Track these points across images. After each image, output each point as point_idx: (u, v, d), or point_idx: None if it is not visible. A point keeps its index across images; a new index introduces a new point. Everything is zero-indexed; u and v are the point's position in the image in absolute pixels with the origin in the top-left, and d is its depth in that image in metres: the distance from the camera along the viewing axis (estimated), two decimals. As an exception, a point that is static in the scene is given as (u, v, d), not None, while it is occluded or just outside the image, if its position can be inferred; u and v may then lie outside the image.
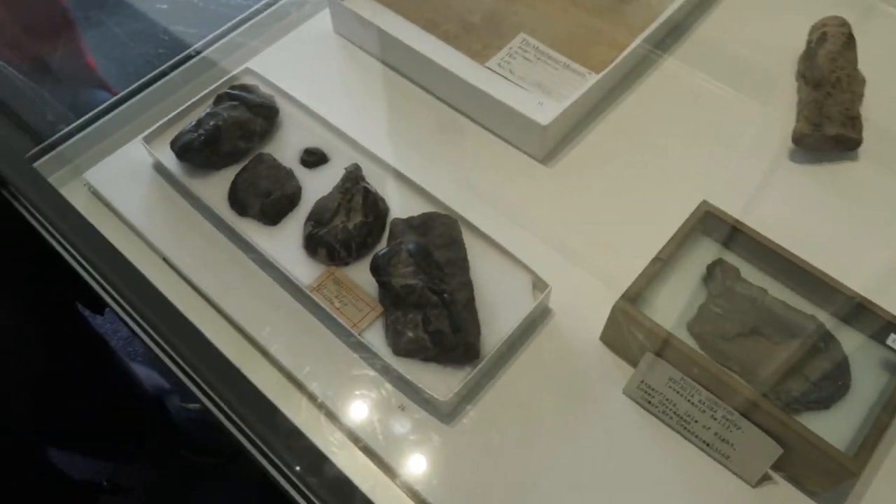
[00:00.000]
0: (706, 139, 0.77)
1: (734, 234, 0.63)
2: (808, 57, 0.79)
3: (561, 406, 0.60)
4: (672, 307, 0.61)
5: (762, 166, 0.75)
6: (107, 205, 0.72)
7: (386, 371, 0.61)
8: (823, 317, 0.61)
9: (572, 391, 0.61)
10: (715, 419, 0.56)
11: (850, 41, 0.77)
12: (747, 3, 0.90)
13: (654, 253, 0.62)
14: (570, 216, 0.71)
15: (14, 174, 0.72)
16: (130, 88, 0.78)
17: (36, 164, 0.74)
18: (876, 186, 0.73)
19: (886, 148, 0.75)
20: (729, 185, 0.73)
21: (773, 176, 0.74)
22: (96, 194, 0.73)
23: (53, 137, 0.75)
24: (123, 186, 0.73)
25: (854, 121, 0.73)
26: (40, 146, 0.74)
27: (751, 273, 0.63)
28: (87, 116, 0.76)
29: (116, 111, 0.77)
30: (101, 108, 0.77)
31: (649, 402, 0.59)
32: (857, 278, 0.61)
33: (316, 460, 0.56)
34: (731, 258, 0.64)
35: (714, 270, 0.63)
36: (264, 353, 0.63)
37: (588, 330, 0.64)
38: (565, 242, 0.69)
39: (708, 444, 0.57)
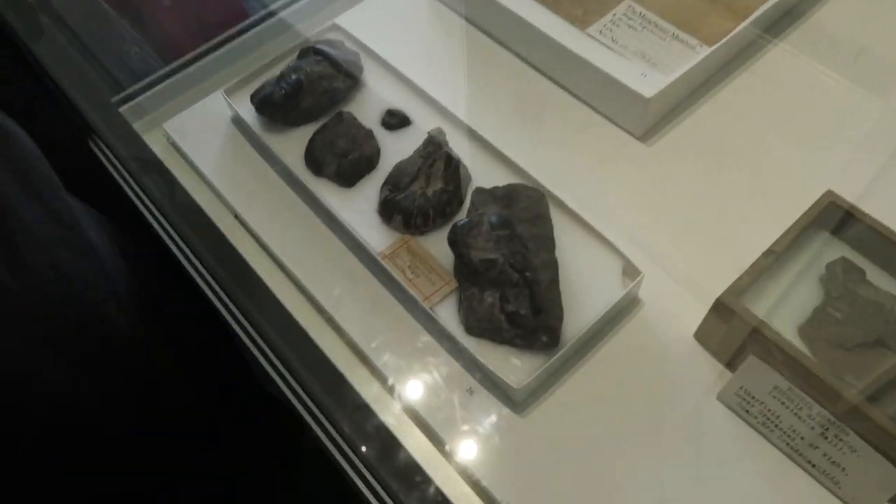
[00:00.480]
0: (820, 128, 0.69)
1: (862, 231, 0.56)
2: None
3: (646, 406, 0.54)
4: (783, 307, 0.54)
5: (887, 158, 0.66)
6: (184, 156, 0.70)
7: (456, 351, 0.56)
8: (964, 333, 0.53)
9: (659, 391, 0.55)
10: (825, 438, 0.49)
11: None
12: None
13: (762, 246, 0.55)
14: (669, 200, 0.65)
15: (99, 119, 0.71)
16: (216, 40, 0.76)
17: (121, 110, 0.72)
18: None
19: None
20: (850, 177, 0.64)
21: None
22: (174, 145, 0.71)
23: (137, 85, 0.73)
24: (201, 139, 0.71)
25: None
26: (124, 93, 0.73)
27: (879, 277, 0.56)
28: (170, 66, 0.74)
29: (200, 62, 0.75)
30: (185, 58, 0.75)
31: (747, 412, 0.53)
32: None
33: (383, 440, 0.52)
34: (857, 258, 0.57)
35: (835, 269, 0.55)
36: (330, 320, 0.59)
37: (681, 325, 0.57)
38: (662, 228, 0.63)
39: (814, 466, 0.50)
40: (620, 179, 0.67)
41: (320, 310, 0.60)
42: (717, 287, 0.53)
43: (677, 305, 0.58)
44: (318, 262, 0.62)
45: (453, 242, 0.56)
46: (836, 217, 0.57)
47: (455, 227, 0.56)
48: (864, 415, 0.47)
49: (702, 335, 0.57)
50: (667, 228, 0.63)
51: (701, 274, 0.60)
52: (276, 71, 0.71)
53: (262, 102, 0.67)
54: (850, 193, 0.59)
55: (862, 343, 0.52)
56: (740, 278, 0.53)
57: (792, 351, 0.50)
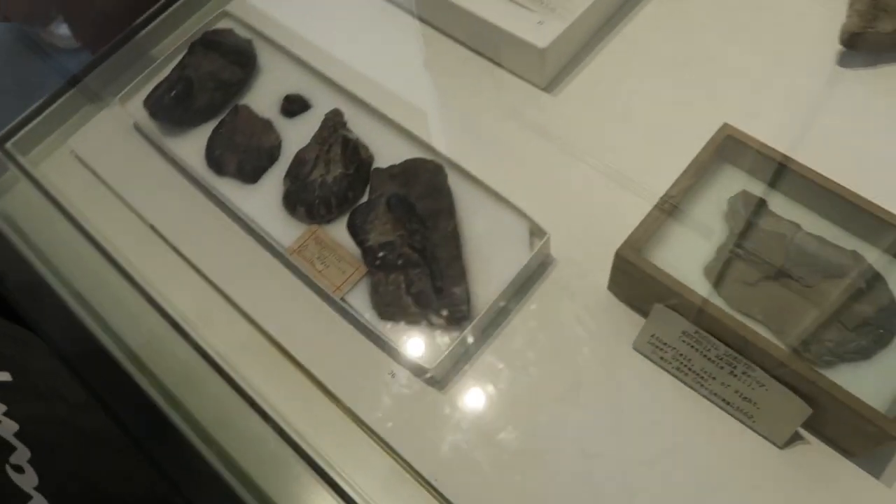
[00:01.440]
0: (734, 47, 0.67)
1: (762, 161, 0.55)
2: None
3: (566, 365, 0.55)
4: (687, 250, 0.54)
5: (802, 76, 0.64)
6: (92, 171, 0.69)
7: (373, 336, 0.56)
8: (869, 253, 0.52)
9: (578, 348, 0.55)
10: (735, 376, 0.49)
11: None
12: None
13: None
14: (576, 151, 0.64)
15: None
16: (108, 47, 0.74)
17: (20, 135, 0.71)
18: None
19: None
20: (761, 103, 0.63)
21: (816, 86, 0.63)
22: (82, 161, 0.70)
23: (33, 107, 0.72)
24: (107, 151, 0.70)
25: (917, 11, 0.62)
26: (23, 116, 0.71)
27: (783, 206, 0.55)
28: (64, 82, 0.72)
29: (95, 72, 0.73)
30: (78, 71, 0.73)
31: (662, 359, 0.53)
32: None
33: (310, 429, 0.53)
34: (760, 189, 0.56)
35: (736, 204, 0.54)
36: (251, 321, 0.59)
37: (595, 280, 0.57)
38: (569, 183, 0.62)
39: (728, 403, 0.51)
40: (526, 136, 0.65)
41: (239, 309, 0.60)
42: (623, 237, 0.53)
43: (589, 261, 0.58)
44: (233, 262, 0.62)
45: (352, 229, 0.56)
46: (735, 150, 0.56)
47: (352, 214, 0.56)
48: (767, 350, 0.47)
49: (614, 288, 0.57)
50: (574, 182, 0.62)
51: (611, 225, 0.59)
52: (167, 71, 0.69)
53: (155, 108, 0.65)
54: (760, 120, 0.58)
55: (766, 276, 0.52)
56: (638, 228, 0.53)
57: (691, 295, 0.50)
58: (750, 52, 0.66)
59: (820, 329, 0.49)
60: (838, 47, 0.64)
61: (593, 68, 0.68)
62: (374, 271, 0.56)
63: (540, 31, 0.65)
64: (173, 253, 0.64)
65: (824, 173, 0.53)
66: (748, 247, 0.53)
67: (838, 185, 0.52)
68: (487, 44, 0.69)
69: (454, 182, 0.60)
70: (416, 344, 0.54)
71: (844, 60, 0.65)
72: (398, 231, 0.54)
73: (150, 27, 0.75)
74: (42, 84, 0.76)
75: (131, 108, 0.69)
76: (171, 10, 0.76)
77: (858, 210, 0.52)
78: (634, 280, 0.53)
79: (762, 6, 0.69)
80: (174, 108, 0.65)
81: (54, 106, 0.72)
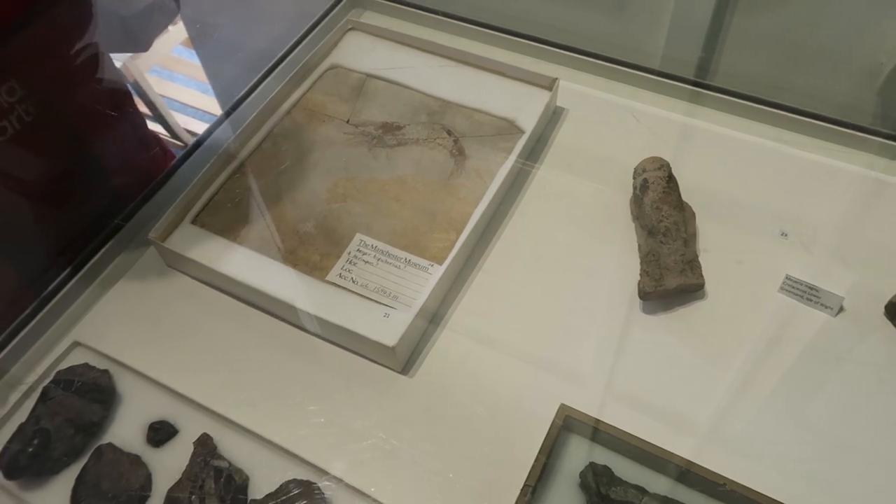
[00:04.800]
0: (557, 308, 0.76)
1: (599, 434, 0.63)
2: (637, 204, 0.80)
3: None
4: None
5: (616, 330, 0.74)
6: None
7: None
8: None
9: None
10: None
11: (670, 183, 0.79)
12: (573, 148, 0.91)
13: (526, 466, 0.60)
14: (432, 430, 0.69)
15: None
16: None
17: None
18: (721, 323, 0.74)
19: (725, 276, 0.77)
20: (585, 358, 0.72)
21: (629, 336, 0.74)
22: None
23: None
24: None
25: (692, 264, 0.75)
26: None
27: (627, 468, 0.62)
28: None
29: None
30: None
31: None
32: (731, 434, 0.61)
33: None
34: (604, 455, 0.63)
35: (586, 477, 0.61)
36: None
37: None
38: (415, 472, 0.66)
39: None
40: (388, 427, 0.69)
41: None
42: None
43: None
44: None
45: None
46: (575, 425, 0.63)
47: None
48: None
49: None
50: (418, 473, 0.65)
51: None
52: (19, 418, 0.68)
53: (10, 468, 0.64)
54: (589, 377, 0.66)
55: (625, 545, 0.58)
56: (508, 525, 0.58)
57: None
58: (570, 311, 0.76)
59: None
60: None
61: (440, 346, 0.75)
62: None
63: (388, 327, 0.71)
64: None
65: (648, 429, 0.61)
66: (605, 519, 0.59)
67: (655, 447, 0.61)
68: (343, 339, 0.74)
69: (329, 489, 0.62)
70: None
71: (647, 307, 0.76)
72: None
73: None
74: None
75: (-18, 465, 0.66)
76: (16, 340, 0.75)
77: (678, 466, 0.60)
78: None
79: (573, 268, 0.80)
80: (31, 465, 0.64)
81: None
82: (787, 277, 0.75)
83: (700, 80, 0.95)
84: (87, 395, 0.68)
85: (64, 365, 0.72)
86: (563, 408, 0.63)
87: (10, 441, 0.65)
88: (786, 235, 0.80)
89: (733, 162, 0.88)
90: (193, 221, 0.82)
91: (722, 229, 0.81)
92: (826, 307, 0.73)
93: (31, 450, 0.64)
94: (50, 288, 0.78)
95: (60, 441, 0.65)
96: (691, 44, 0.97)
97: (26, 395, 0.70)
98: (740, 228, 0.81)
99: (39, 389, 0.69)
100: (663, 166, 0.80)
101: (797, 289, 0.74)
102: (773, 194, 0.84)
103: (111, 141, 0.88)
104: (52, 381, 0.69)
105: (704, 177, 0.85)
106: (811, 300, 0.74)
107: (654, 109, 0.94)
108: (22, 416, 0.68)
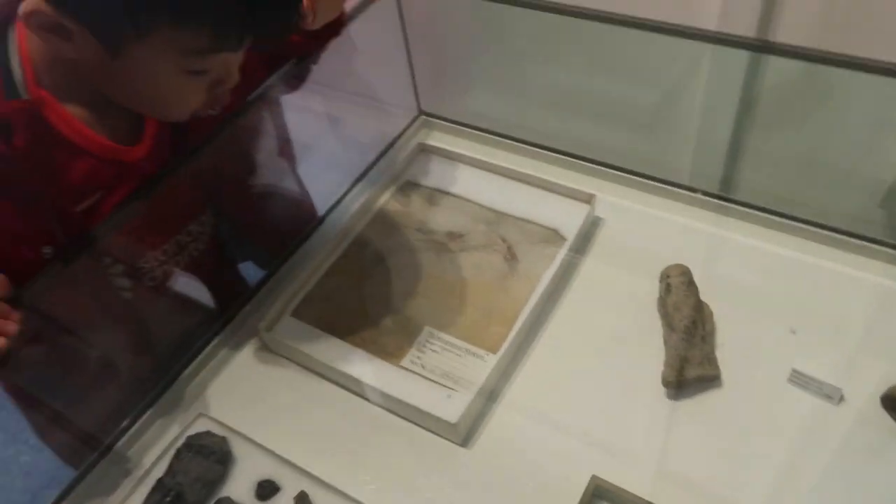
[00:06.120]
0: (595, 398, 0.90)
1: (630, 498, 0.75)
2: (661, 304, 0.94)
3: None
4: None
5: (644, 415, 0.87)
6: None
7: None
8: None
9: None
10: None
11: (690, 287, 0.93)
12: (610, 254, 1.06)
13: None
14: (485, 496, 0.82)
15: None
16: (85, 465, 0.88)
17: None
18: (734, 410, 0.86)
19: (739, 368, 0.89)
20: (618, 440, 0.85)
21: (655, 420, 0.87)
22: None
23: None
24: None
25: (709, 357, 0.88)
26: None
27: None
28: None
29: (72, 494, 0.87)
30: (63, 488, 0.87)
31: None
32: None
33: None
34: (631, 520, 0.76)
35: (615, 539, 0.74)
36: None
37: None
38: None
39: None
40: (448, 492, 0.83)
41: None
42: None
43: None
44: None
45: None
46: (606, 494, 0.76)
47: None
48: None
49: None
50: None
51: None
52: (156, 473, 0.85)
53: (152, 517, 0.81)
54: (613, 458, 0.79)
55: None
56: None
57: None
58: (602, 398, 0.90)
59: None
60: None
61: (496, 421, 0.89)
62: None
63: (450, 405, 0.87)
64: None
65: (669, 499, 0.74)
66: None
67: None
68: (413, 415, 0.90)
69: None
70: None
71: (669, 393, 0.89)
72: None
73: (130, 433, 0.91)
74: None
75: (128, 511, 0.83)
76: (148, 413, 0.93)
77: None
78: None
79: (608, 356, 0.94)
80: (169, 516, 0.80)
81: None
82: (793, 370, 0.87)
83: (723, 195, 1.10)
84: (209, 456, 0.85)
85: (191, 431, 0.89)
86: (594, 478, 0.76)
87: (153, 491, 0.83)
88: (795, 332, 0.92)
89: (753, 267, 1.01)
90: (293, 314, 1.00)
91: (738, 327, 0.94)
92: (828, 397, 0.85)
93: (168, 499, 0.81)
94: (178, 366, 0.97)
95: (191, 493, 0.82)
96: (715, 161, 1.12)
97: (161, 455, 0.88)
98: (755, 325, 0.94)
99: (172, 451, 0.87)
100: (685, 273, 0.95)
101: (801, 380, 0.86)
102: (786, 297, 0.96)
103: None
104: (183, 445, 0.86)
105: (725, 280, 0.99)
106: (815, 391, 0.86)
107: (683, 219, 1.09)
108: (159, 471, 0.86)
